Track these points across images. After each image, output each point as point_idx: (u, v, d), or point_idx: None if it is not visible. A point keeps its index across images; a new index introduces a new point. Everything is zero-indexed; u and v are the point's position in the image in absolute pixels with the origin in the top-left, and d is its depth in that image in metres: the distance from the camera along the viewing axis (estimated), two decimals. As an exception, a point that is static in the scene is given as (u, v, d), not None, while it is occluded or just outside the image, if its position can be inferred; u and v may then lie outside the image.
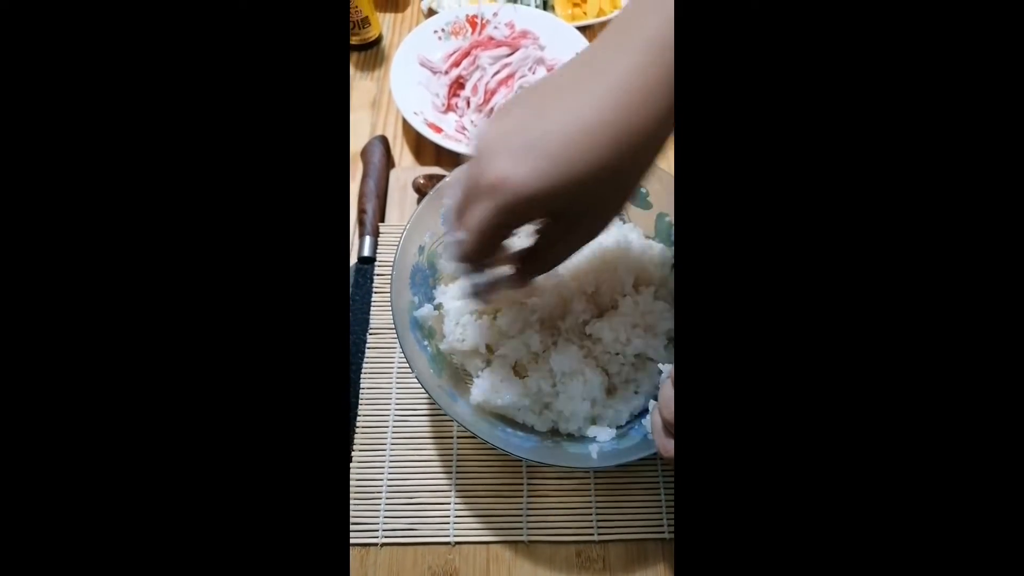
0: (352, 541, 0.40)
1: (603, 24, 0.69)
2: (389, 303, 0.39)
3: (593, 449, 0.37)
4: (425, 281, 0.43)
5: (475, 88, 0.59)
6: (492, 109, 0.58)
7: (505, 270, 0.31)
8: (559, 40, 0.63)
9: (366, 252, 0.51)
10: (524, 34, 0.63)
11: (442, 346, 0.41)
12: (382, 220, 0.53)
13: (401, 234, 0.41)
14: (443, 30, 0.64)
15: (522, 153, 0.23)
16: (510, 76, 0.59)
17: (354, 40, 0.64)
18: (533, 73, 0.60)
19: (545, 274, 0.31)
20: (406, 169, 0.57)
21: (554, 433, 0.39)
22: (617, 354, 0.39)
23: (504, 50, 0.61)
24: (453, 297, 0.42)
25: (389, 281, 0.40)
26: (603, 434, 0.38)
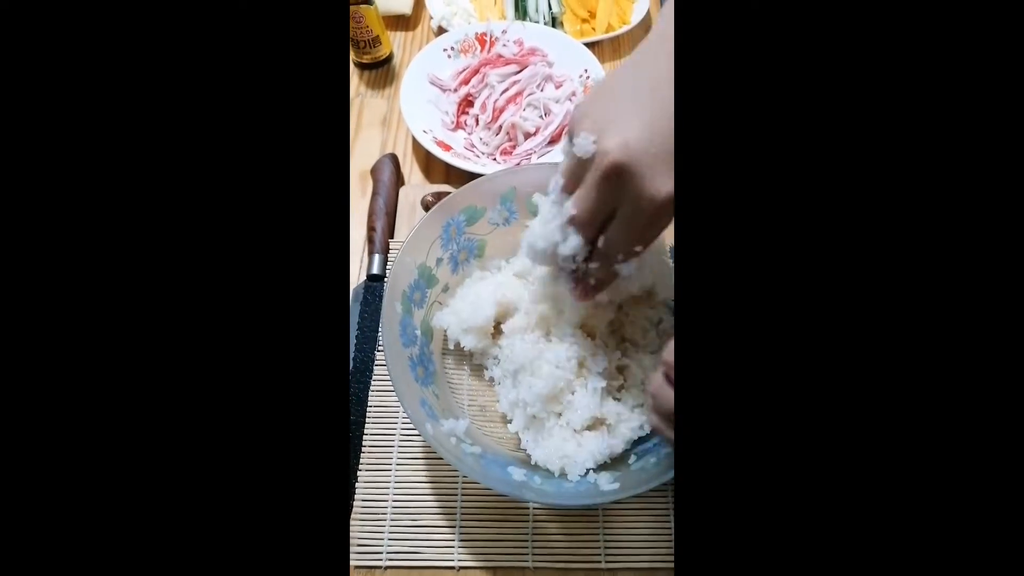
0: (356, 563, 0.39)
1: (612, 40, 0.69)
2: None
3: (602, 480, 0.36)
4: (423, 297, 0.43)
5: (483, 106, 0.59)
6: (500, 127, 0.58)
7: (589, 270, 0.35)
8: (567, 57, 0.63)
9: (375, 270, 0.51)
10: (532, 51, 0.63)
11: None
12: (391, 237, 0.54)
13: (401, 247, 0.42)
14: (452, 48, 0.64)
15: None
16: (518, 93, 0.59)
17: (365, 59, 0.65)
18: (541, 90, 0.60)
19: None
20: (415, 187, 0.57)
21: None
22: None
23: (512, 67, 0.61)
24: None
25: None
26: (603, 479, 0.37)
